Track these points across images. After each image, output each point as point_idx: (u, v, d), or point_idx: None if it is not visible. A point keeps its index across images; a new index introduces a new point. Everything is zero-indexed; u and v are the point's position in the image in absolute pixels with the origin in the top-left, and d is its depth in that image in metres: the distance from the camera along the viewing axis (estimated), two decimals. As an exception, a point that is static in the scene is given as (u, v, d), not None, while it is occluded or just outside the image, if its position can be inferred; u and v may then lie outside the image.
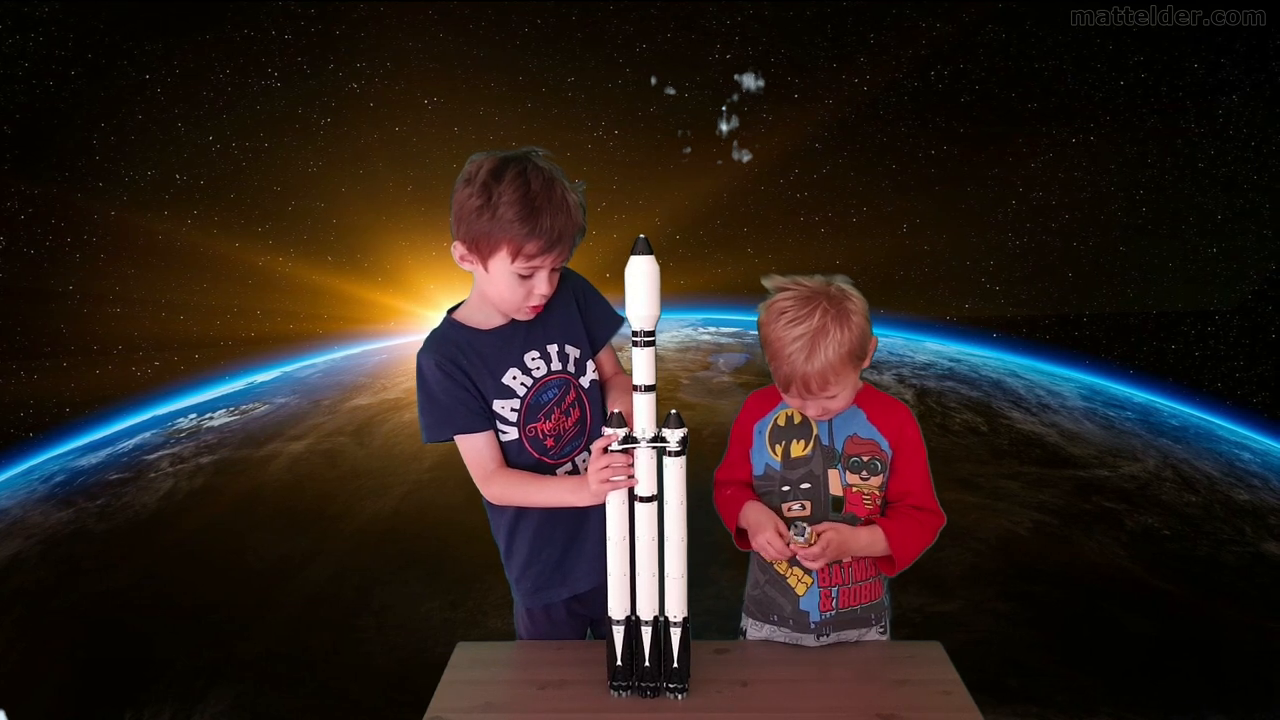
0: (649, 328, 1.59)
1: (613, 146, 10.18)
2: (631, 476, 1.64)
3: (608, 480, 1.64)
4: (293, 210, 9.80)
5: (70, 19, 7.59)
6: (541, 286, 1.77)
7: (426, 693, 1.78)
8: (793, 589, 1.88)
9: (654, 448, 1.63)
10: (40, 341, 7.84)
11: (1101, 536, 5.30)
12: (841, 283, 1.78)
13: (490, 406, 1.86)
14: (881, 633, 1.94)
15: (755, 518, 1.82)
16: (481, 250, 1.74)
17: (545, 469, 1.92)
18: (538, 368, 1.88)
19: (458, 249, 1.78)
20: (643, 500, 1.65)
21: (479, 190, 1.69)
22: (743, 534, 1.91)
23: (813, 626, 1.88)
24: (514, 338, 1.87)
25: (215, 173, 9.16)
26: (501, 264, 1.74)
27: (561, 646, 1.99)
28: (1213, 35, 6.99)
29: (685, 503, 1.67)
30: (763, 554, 1.81)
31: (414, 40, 9.36)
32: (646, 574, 1.69)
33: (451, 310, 1.94)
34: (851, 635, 1.91)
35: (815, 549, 1.73)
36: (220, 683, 3.89)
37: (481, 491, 1.91)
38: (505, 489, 1.87)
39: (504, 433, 1.88)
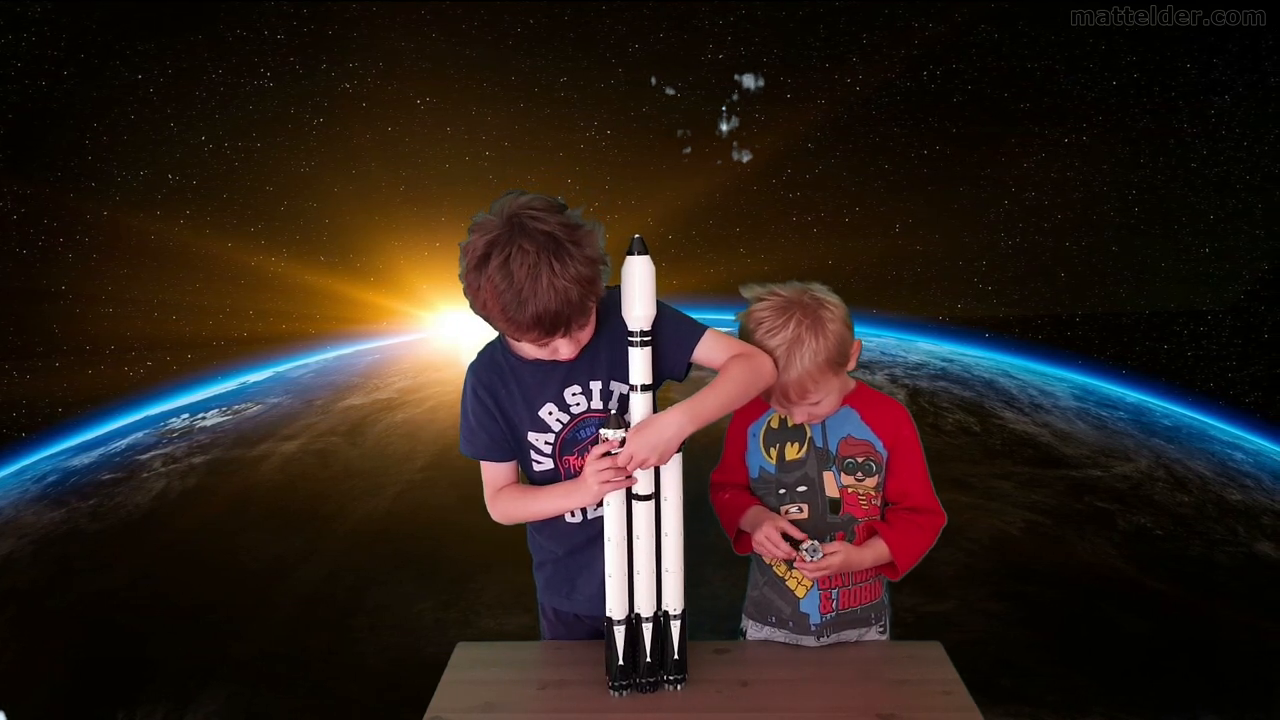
0: (645, 327, 1.59)
1: (605, 146, 10.20)
2: (630, 476, 1.63)
3: (608, 481, 1.63)
4: (285, 210, 9.81)
5: (63, 19, 7.57)
6: (564, 350, 1.65)
7: (422, 692, 1.78)
8: (792, 591, 1.88)
9: None
10: (33, 341, 7.83)
11: (1094, 536, 5.31)
12: (818, 289, 1.77)
13: (525, 437, 1.81)
14: (881, 632, 1.94)
15: (756, 518, 1.82)
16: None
17: None
18: (577, 404, 1.78)
19: None
20: (640, 499, 1.66)
21: (468, 274, 1.54)
22: (740, 537, 1.90)
23: (813, 628, 1.88)
24: (555, 371, 1.75)
25: (208, 173, 9.16)
26: None
27: (561, 647, 1.98)
28: (1206, 35, 7.01)
29: (681, 500, 1.68)
30: (761, 550, 1.80)
31: (406, 40, 9.37)
32: (645, 570, 1.70)
33: None
34: (851, 635, 1.91)
35: (815, 566, 1.74)
36: (213, 683, 3.88)
37: (490, 513, 1.87)
38: (507, 507, 1.85)
39: (539, 463, 1.83)
